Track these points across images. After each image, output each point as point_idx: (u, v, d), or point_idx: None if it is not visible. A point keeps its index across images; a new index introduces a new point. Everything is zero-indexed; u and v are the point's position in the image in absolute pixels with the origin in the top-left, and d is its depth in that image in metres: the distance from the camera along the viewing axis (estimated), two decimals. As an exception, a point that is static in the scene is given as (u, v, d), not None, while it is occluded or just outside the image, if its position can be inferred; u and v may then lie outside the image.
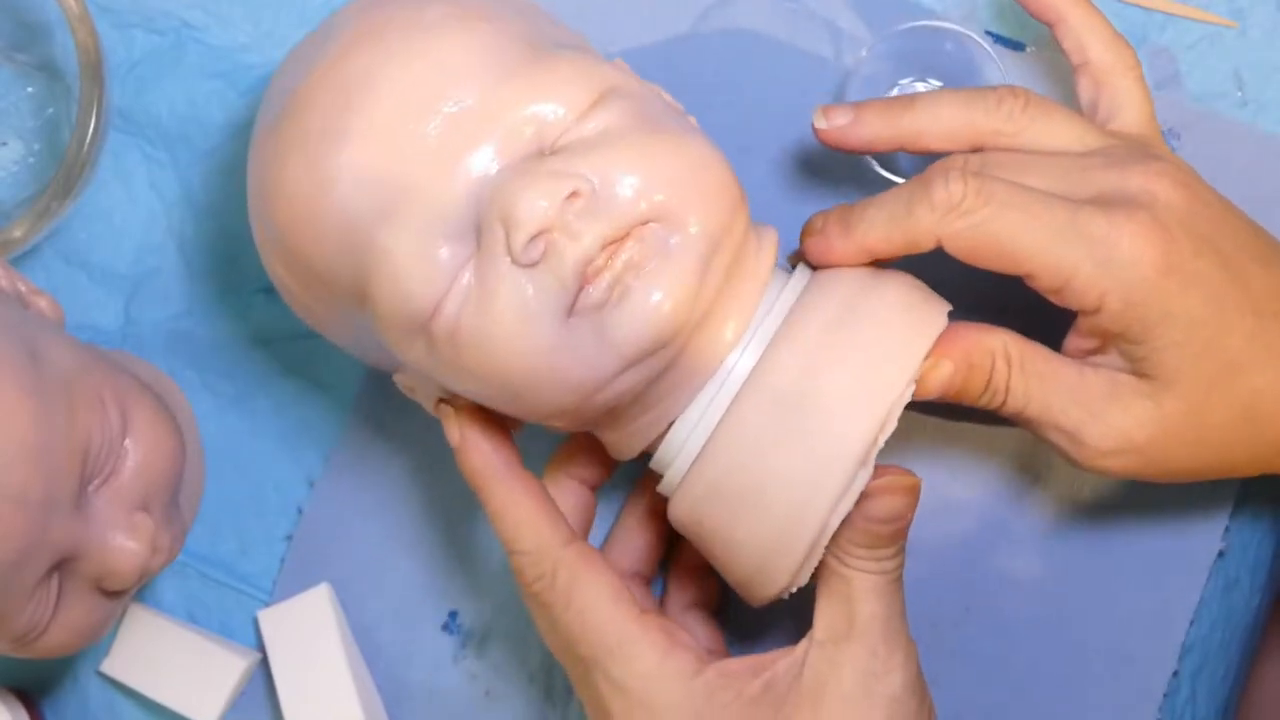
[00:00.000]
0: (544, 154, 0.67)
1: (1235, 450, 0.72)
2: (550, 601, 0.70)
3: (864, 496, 0.68)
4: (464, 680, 0.82)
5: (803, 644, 0.69)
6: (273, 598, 0.82)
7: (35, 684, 0.83)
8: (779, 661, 0.70)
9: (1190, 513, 0.80)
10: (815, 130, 0.75)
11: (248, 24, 0.83)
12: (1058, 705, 0.80)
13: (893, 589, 0.69)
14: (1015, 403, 0.71)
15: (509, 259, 0.66)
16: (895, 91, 0.81)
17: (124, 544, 0.71)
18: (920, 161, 0.79)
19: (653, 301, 0.66)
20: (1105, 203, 0.69)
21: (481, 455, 0.72)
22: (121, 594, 0.74)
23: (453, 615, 0.82)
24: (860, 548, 0.68)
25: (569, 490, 0.76)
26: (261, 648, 0.81)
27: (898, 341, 0.69)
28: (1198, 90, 0.81)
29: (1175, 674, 0.80)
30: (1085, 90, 0.76)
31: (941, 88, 0.81)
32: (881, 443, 0.68)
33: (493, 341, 0.66)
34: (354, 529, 0.82)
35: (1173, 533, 0.79)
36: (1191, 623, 0.80)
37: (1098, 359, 0.71)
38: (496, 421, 0.73)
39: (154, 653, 0.80)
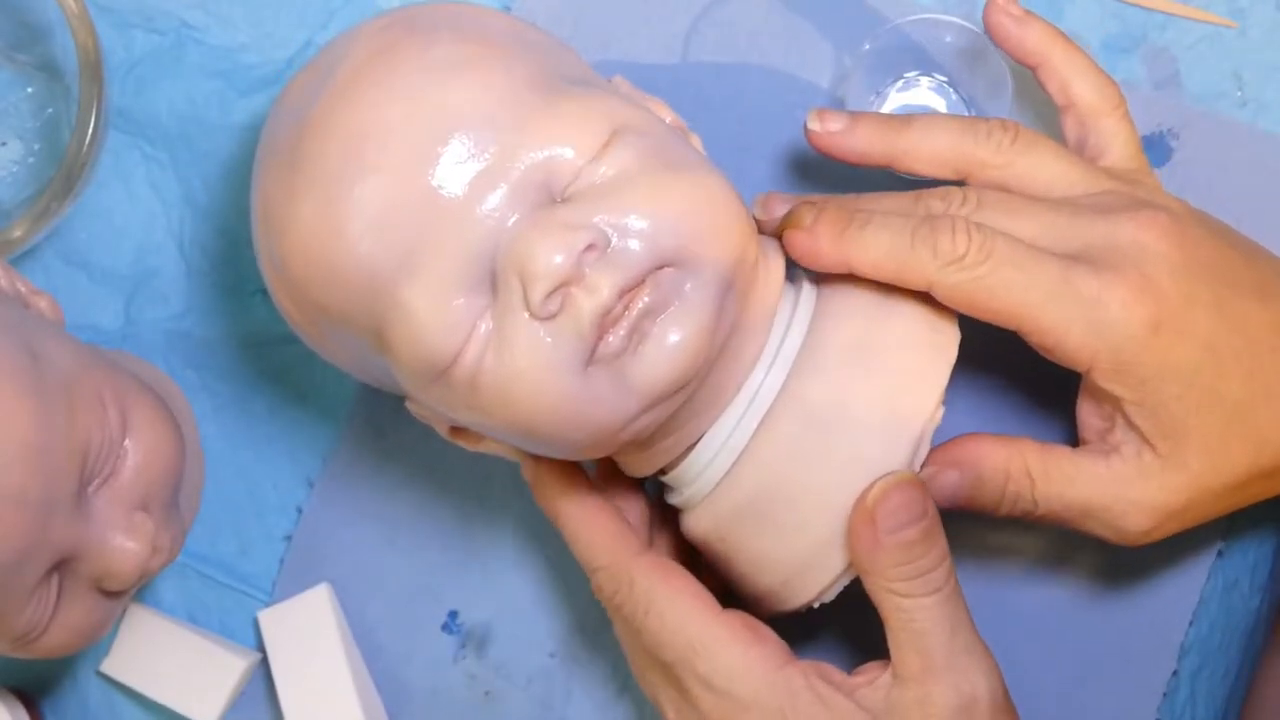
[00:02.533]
0: (556, 201, 0.67)
1: (1253, 487, 0.72)
2: (631, 611, 0.71)
3: (873, 513, 0.67)
4: (464, 680, 0.82)
5: (886, 676, 0.69)
6: (273, 598, 0.82)
7: (35, 684, 0.83)
8: (861, 689, 0.69)
9: (1190, 513, 0.80)
10: (807, 132, 0.75)
11: (248, 24, 0.83)
12: (1058, 705, 0.80)
13: (951, 606, 0.68)
14: (1048, 508, 0.72)
15: (527, 312, 0.66)
16: (900, 84, 0.81)
17: (124, 544, 0.71)
18: None
19: (671, 344, 0.67)
20: (1096, 258, 0.69)
21: (554, 486, 0.74)
22: (121, 594, 0.74)
23: (453, 615, 0.82)
24: (900, 567, 0.67)
25: (630, 495, 0.77)
26: (261, 648, 0.81)
27: (923, 364, 0.70)
28: (1198, 90, 0.81)
29: (1175, 674, 0.80)
30: (1071, 130, 0.76)
31: (944, 82, 0.81)
32: (917, 465, 0.69)
33: (513, 391, 0.67)
34: (354, 529, 0.82)
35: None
36: (1191, 623, 0.80)
37: (1115, 437, 0.71)
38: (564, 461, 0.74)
39: (154, 653, 0.80)
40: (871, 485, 0.67)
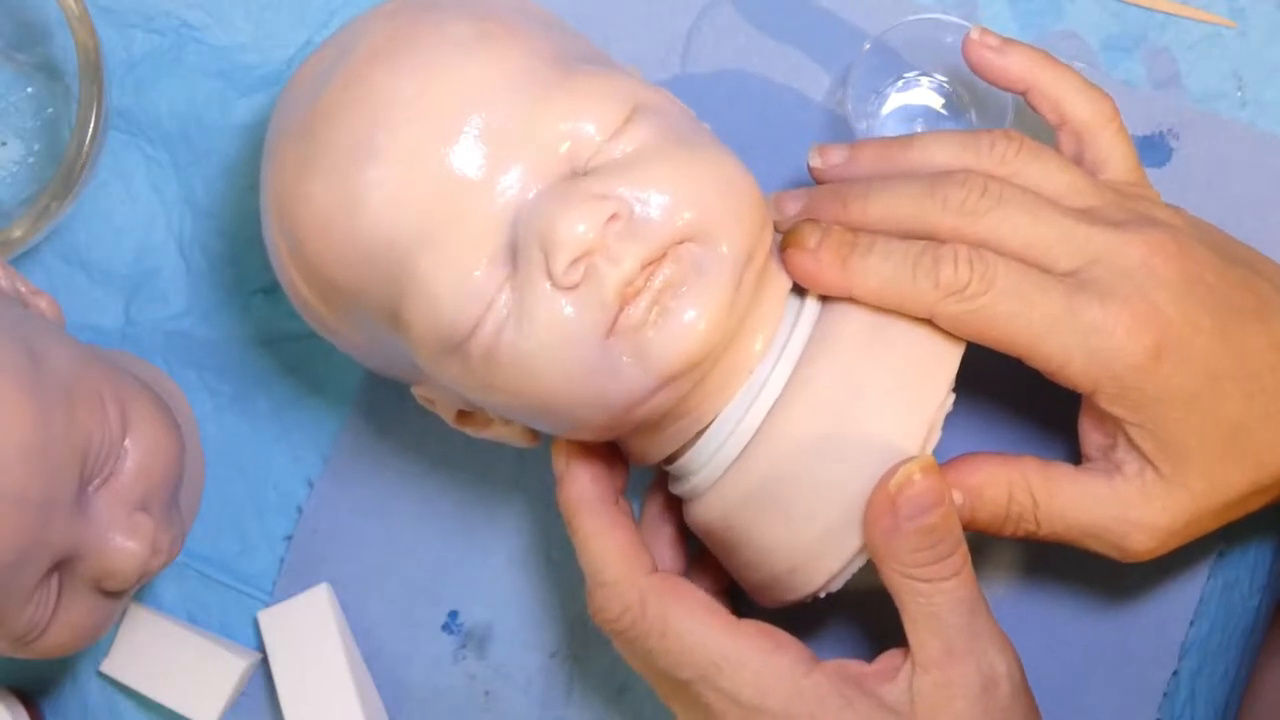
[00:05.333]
0: (577, 174, 0.67)
1: (1251, 502, 0.73)
2: (643, 632, 0.70)
3: (895, 500, 0.67)
4: (464, 680, 0.82)
5: (907, 666, 0.68)
6: (273, 598, 0.82)
7: (35, 684, 0.83)
8: (885, 685, 0.69)
9: (1190, 513, 0.80)
10: (810, 169, 0.75)
11: (248, 24, 0.83)
12: (1058, 705, 0.80)
13: (968, 589, 0.68)
14: (1050, 529, 0.72)
15: (548, 282, 0.66)
16: (900, 84, 0.81)
17: (124, 544, 0.71)
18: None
19: (690, 320, 0.66)
20: (1102, 279, 0.69)
21: (578, 487, 0.72)
22: (121, 594, 0.74)
23: (453, 615, 0.82)
24: (920, 552, 0.67)
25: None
26: (261, 648, 0.81)
27: (933, 351, 0.70)
28: (1198, 90, 0.81)
29: (1175, 674, 0.80)
30: (1068, 147, 0.75)
31: (944, 82, 0.81)
32: (929, 451, 0.69)
33: (532, 363, 0.67)
34: (354, 529, 0.82)
35: (1172, 533, 0.79)
36: (1191, 623, 0.80)
37: (1117, 455, 0.71)
38: (603, 456, 0.73)
39: (154, 653, 0.80)
40: (892, 471, 0.67)
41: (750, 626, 0.70)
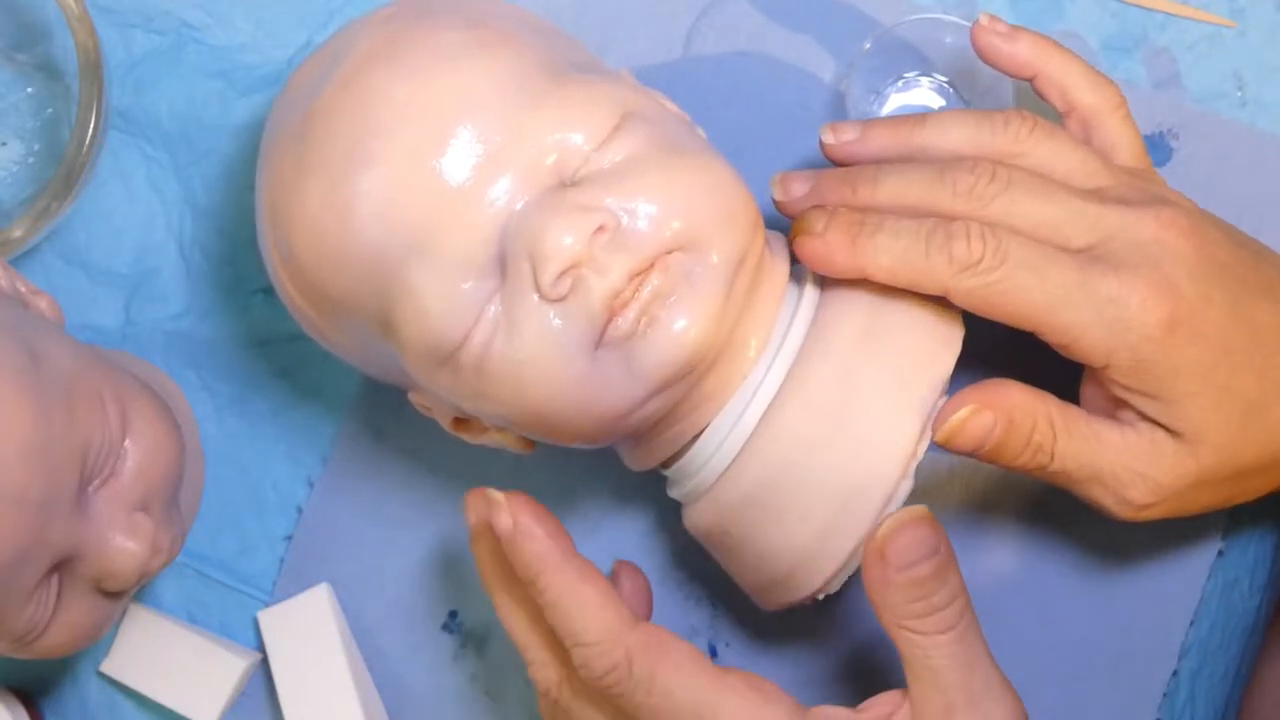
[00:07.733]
0: (565, 184, 0.67)
1: (1255, 480, 0.72)
2: (629, 690, 0.67)
3: (884, 550, 0.65)
4: (464, 680, 0.82)
5: (904, 713, 0.66)
6: (273, 598, 0.82)
7: (35, 684, 0.83)
8: None
9: (1190, 513, 0.80)
10: (822, 146, 0.75)
11: (248, 24, 0.83)
12: (1058, 705, 0.80)
13: (967, 644, 0.66)
14: (1061, 465, 0.71)
15: (536, 294, 0.66)
16: (900, 84, 0.81)
17: (124, 544, 0.71)
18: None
19: (679, 329, 0.66)
20: (1116, 253, 0.69)
21: (536, 543, 0.68)
22: (121, 594, 0.74)
23: (453, 615, 0.82)
24: (914, 604, 0.65)
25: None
26: (261, 648, 0.81)
27: (927, 354, 0.69)
28: (1198, 90, 0.81)
29: (1175, 674, 0.80)
30: (1076, 134, 0.75)
31: (944, 82, 0.81)
32: (920, 454, 0.69)
33: (521, 374, 0.67)
34: (354, 529, 0.82)
35: (1172, 532, 0.79)
36: (1191, 623, 0.80)
37: (1124, 414, 0.71)
38: (546, 508, 0.70)
39: (154, 653, 0.80)
40: (882, 521, 0.65)
41: (738, 680, 0.68)
